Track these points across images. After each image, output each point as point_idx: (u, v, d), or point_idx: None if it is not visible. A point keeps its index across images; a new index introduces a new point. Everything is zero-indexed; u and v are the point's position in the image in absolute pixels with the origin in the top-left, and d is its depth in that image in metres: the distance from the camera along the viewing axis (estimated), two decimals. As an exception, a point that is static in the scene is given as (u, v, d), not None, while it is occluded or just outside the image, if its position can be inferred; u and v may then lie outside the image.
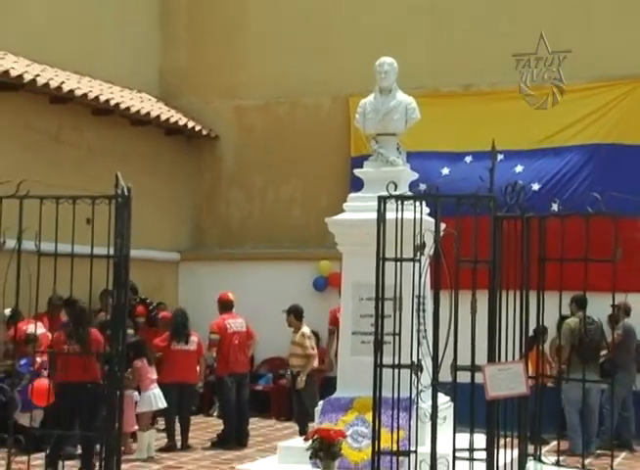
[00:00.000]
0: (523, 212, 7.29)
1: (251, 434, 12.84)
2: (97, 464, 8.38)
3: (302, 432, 11.95)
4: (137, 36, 16.47)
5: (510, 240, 7.25)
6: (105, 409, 8.51)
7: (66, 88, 13.51)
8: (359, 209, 10.74)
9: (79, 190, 8.59)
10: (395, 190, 7.64)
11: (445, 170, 14.43)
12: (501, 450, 7.23)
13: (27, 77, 12.87)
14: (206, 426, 13.84)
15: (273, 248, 15.84)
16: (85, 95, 13.85)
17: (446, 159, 14.64)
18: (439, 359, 7.25)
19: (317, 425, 10.61)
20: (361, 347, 10.60)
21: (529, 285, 7.19)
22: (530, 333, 7.62)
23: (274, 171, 16.20)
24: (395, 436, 7.58)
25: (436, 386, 7.30)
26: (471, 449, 7.16)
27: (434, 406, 7.31)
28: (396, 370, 7.38)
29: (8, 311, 10.34)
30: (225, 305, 12.83)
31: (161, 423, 12.86)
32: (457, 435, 7.25)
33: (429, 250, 7.51)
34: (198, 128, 16.33)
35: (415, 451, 7.45)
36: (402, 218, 7.44)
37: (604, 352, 11.79)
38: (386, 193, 7.60)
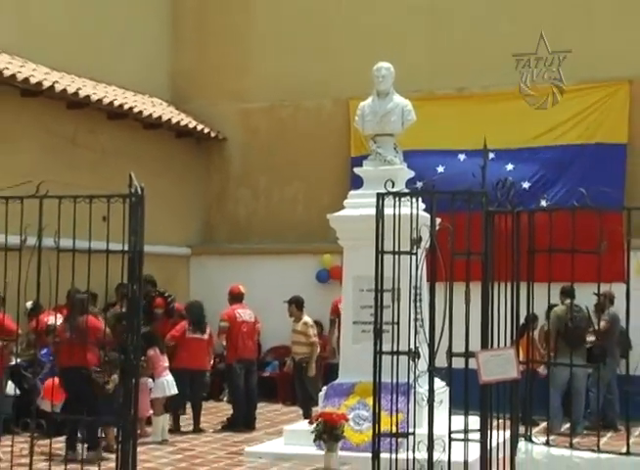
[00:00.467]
0: (513, 207, 7.27)
1: (259, 418, 12.85)
2: (115, 446, 8.42)
3: (306, 416, 11.96)
4: (148, 45, 16.47)
5: (501, 234, 7.24)
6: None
7: (82, 94, 13.52)
8: (359, 205, 10.75)
9: (95, 190, 8.57)
10: (393, 187, 7.63)
11: (440, 168, 14.41)
12: (494, 432, 7.24)
13: (46, 84, 12.88)
14: (217, 411, 13.85)
15: (278, 243, 15.83)
16: (100, 100, 13.86)
17: (441, 157, 14.61)
18: (435, 346, 7.25)
19: (321, 409, 10.64)
20: (362, 335, 10.64)
21: (520, 276, 7.18)
22: (521, 321, 7.60)
23: (278, 171, 16.17)
24: (394, 419, 7.58)
25: (433, 371, 7.30)
26: (465, 431, 7.16)
27: (431, 391, 7.31)
28: (395, 357, 7.38)
29: (29, 304, 10.34)
30: (236, 297, 12.86)
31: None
32: (452, 417, 7.25)
33: (425, 243, 7.52)
34: (206, 131, 16.30)
35: (413, 433, 7.45)
36: (400, 214, 7.44)
37: (591, 339, 11.78)
38: (384, 190, 7.60)
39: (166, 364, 11.85)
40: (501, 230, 7.23)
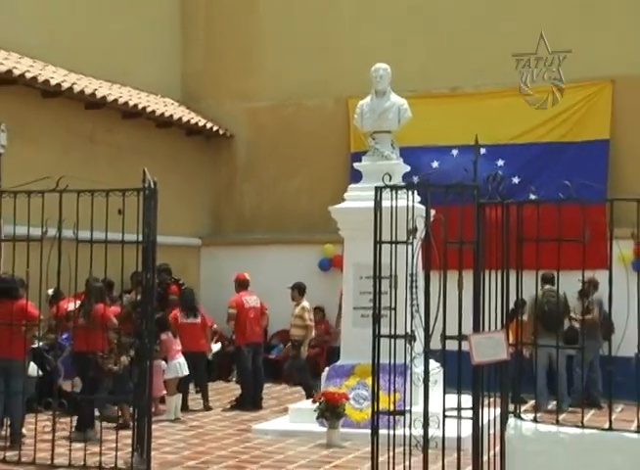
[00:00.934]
0: (503, 200, 7.27)
1: (265, 397, 12.87)
2: (131, 424, 8.46)
3: (309, 396, 11.98)
4: (160, 49, 16.48)
5: (492, 224, 7.23)
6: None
7: (99, 94, 13.52)
8: (358, 198, 10.76)
9: (112, 185, 8.60)
10: (390, 181, 7.64)
11: (435, 163, 14.40)
12: (485, 409, 7.25)
13: (66, 85, 12.88)
14: (226, 391, 13.88)
15: (283, 233, 15.84)
16: (116, 100, 13.87)
17: (435, 153, 14.60)
18: (430, 330, 7.26)
19: (323, 389, 10.67)
20: (361, 320, 10.66)
21: (510, 264, 7.18)
22: (511, 306, 7.60)
23: (283, 166, 16.16)
24: (392, 397, 7.62)
25: (428, 353, 7.31)
26: (459, 409, 7.17)
27: (426, 371, 7.32)
28: (392, 340, 7.39)
29: (51, 291, 10.38)
30: (242, 284, 12.87)
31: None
32: (446, 396, 7.26)
33: (420, 233, 7.52)
34: (215, 129, 16.30)
35: (410, 411, 7.46)
36: (396, 206, 7.43)
37: (569, 322, 11.85)
38: (381, 184, 7.60)
39: (179, 347, 11.85)
40: (492, 221, 7.23)
